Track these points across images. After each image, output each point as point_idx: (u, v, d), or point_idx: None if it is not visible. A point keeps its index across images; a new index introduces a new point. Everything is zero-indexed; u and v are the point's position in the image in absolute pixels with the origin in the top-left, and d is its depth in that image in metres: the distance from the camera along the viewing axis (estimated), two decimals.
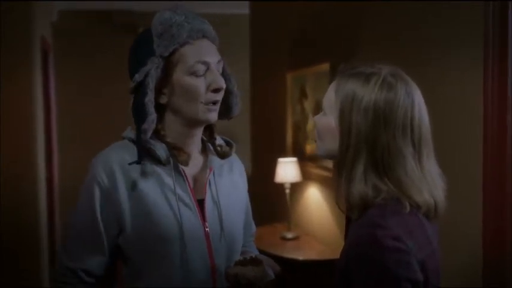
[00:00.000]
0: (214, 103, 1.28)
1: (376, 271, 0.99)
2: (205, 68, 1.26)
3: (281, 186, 3.59)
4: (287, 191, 3.54)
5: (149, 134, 1.25)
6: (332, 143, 1.14)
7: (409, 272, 1.00)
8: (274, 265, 1.35)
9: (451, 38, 2.13)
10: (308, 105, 3.62)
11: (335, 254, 3.68)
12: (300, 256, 3.19)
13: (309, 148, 3.63)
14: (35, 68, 4.13)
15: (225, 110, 1.38)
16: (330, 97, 1.15)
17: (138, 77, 1.24)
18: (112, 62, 5.73)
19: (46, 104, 4.81)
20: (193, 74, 1.25)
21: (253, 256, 1.28)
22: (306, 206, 3.74)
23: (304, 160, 3.64)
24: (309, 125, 3.61)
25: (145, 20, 6.16)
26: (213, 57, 1.27)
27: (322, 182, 3.48)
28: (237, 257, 1.36)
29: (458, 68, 2.07)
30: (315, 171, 3.53)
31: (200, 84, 1.25)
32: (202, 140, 1.40)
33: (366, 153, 1.08)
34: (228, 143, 1.43)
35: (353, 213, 1.11)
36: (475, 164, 1.95)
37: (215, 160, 1.37)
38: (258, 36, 4.74)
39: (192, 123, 1.30)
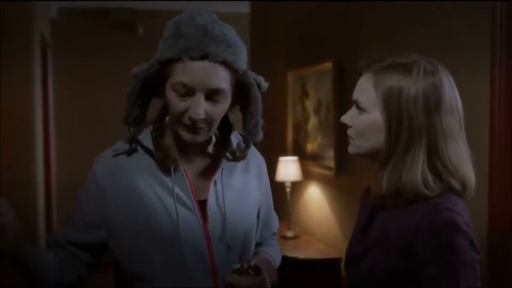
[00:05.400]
0: (193, 127, 1.21)
1: (456, 255, 1.04)
2: (188, 93, 1.18)
3: (282, 185, 3.58)
4: (287, 189, 3.53)
5: (130, 127, 1.26)
6: (377, 139, 1.15)
7: (478, 253, 1.07)
8: (272, 273, 1.31)
9: (457, 36, 2.12)
10: (309, 104, 3.61)
11: (335, 252, 3.65)
12: (301, 255, 3.18)
13: (310, 147, 3.62)
14: (34, 65, 4.11)
15: (246, 132, 1.31)
16: (369, 94, 1.15)
17: (133, 71, 1.23)
18: (110, 60, 5.72)
19: (45, 101, 4.79)
20: (175, 91, 1.19)
21: (252, 264, 1.23)
22: (306, 205, 3.73)
23: (304, 159, 3.63)
24: (310, 124, 3.60)
25: (144, 18, 6.16)
26: (202, 83, 1.17)
27: (323, 181, 3.47)
28: (248, 257, 1.32)
29: (464, 67, 2.05)
30: (316, 170, 3.52)
31: (178, 104, 1.19)
32: (217, 139, 1.35)
33: (419, 140, 1.10)
34: (245, 140, 1.35)
35: (388, 201, 1.14)
36: (481, 164, 1.94)
37: (225, 161, 1.32)
38: (259, 35, 4.73)
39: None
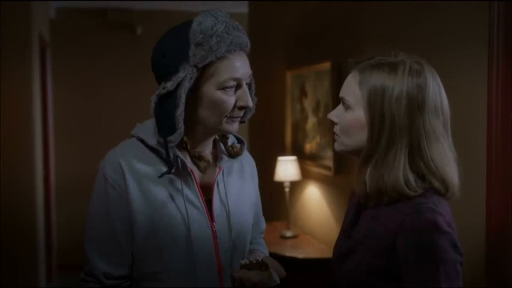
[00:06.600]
0: (238, 117, 1.27)
1: (437, 255, 1.04)
2: (237, 84, 1.23)
3: (280, 184, 3.59)
4: (286, 189, 3.54)
5: (174, 144, 1.23)
6: (361, 137, 1.15)
7: (461, 254, 1.07)
8: (280, 269, 1.32)
9: (454, 36, 2.12)
10: (308, 104, 3.62)
11: None
12: (300, 254, 3.19)
13: (308, 146, 3.63)
14: (33, 65, 4.11)
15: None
16: (354, 92, 1.15)
17: (170, 85, 1.19)
18: (109, 60, 5.72)
19: (43, 101, 4.79)
20: (224, 89, 1.22)
21: (260, 260, 1.25)
22: (305, 205, 3.73)
23: (303, 159, 3.63)
24: (309, 124, 3.60)
25: (142, 19, 6.15)
26: (245, 72, 1.24)
27: (322, 180, 3.47)
28: (245, 256, 1.35)
29: (462, 66, 2.06)
30: (315, 169, 3.52)
31: (230, 100, 1.23)
32: (214, 139, 1.37)
33: (400, 140, 1.10)
34: (239, 141, 1.40)
35: (371, 200, 1.14)
36: (478, 163, 1.95)
37: (225, 159, 1.35)
38: (257, 35, 4.73)
39: (212, 132, 1.30)
